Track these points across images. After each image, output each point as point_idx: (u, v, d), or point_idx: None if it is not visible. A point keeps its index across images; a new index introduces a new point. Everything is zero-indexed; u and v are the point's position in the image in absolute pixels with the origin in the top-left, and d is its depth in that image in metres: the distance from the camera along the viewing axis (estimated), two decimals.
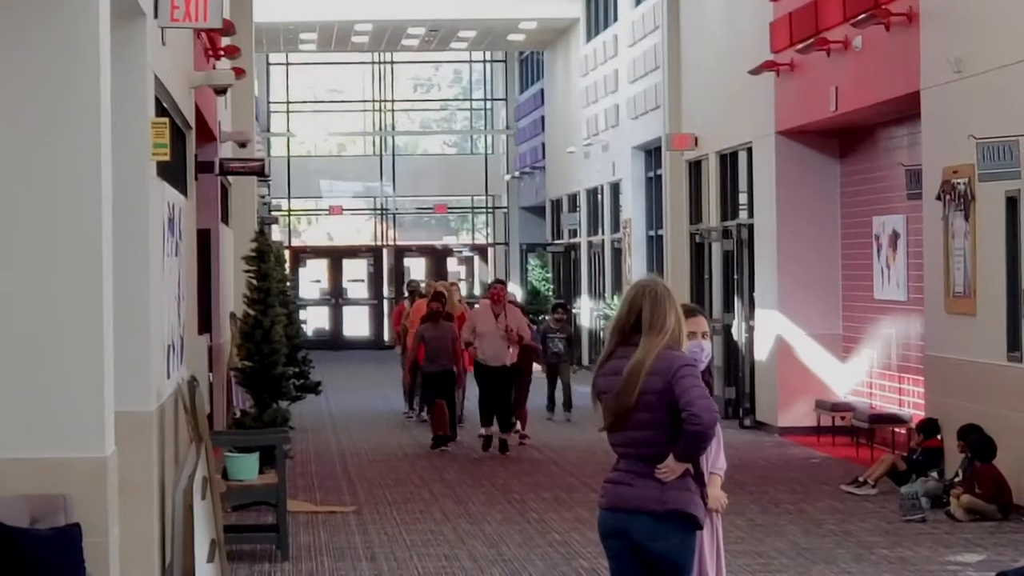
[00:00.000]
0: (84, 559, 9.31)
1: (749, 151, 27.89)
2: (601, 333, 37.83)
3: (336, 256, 53.19)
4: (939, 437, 18.25)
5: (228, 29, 19.39)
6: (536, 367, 27.15)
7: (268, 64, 52.14)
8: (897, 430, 21.41)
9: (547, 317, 30.73)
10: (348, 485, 20.15)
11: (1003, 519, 16.65)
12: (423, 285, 31.53)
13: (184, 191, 16.17)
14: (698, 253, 31.22)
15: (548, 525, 17.03)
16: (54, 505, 9.38)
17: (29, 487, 9.37)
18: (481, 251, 54.44)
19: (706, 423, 8.35)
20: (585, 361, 38.50)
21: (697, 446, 8.42)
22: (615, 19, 39.00)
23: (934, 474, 18.01)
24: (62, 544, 9.26)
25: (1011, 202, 17.32)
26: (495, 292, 21.95)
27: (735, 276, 28.37)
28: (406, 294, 22.93)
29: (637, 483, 8.60)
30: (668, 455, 8.44)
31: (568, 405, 25.50)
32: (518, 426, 24.15)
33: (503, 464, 21.61)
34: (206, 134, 21.22)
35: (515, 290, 47.30)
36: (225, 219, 26.01)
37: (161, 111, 13.39)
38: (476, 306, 22.30)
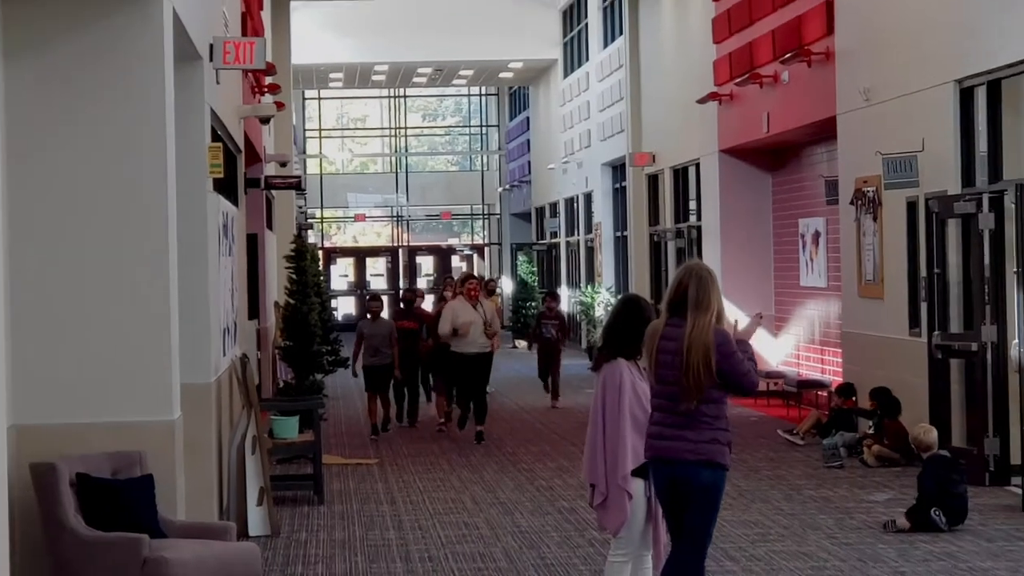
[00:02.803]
0: (156, 504, 9.32)
1: (697, 166, 27.90)
2: (577, 315, 37.79)
3: (360, 255, 53.15)
4: (854, 399, 18.27)
5: (270, 70, 19.40)
6: (522, 344, 27.12)
7: (303, 98, 52.04)
8: (820, 393, 21.42)
9: (536, 305, 30.69)
10: (371, 442, 20.16)
11: (906, 465, 16.64)
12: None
13: (235, 202, 16.18)
14: (655, 250, 31.21)
15: (535, 474, 17.02)
16: (131, 460, 9.39)
17: (111, 446, 9.39)
18: (479, 250, 54.43)
19: (751, 387, 8.98)
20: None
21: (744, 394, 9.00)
22: (587, 59, 38.92)
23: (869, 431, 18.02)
24: (138, 492, 9.27)
25: (911, 206, 17.34)
26: (471, 287, 21.00)
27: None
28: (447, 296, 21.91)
29: (675, 437, 8.65)
30: (696, 413, 8.56)
31: (556, 394, 24.51)
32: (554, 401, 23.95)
33: (495, 429, 21.49)
34: (253, 156, 21.22)
35: (507, 281, 47.37)
36: (269, 225, 26.01)
37: (216, 137, 13.40)
38: (451, 301, 20.95)
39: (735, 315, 12.80)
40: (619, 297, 15.85)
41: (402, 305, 22.70)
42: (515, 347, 37.38)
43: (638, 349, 9.03)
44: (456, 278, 25.16)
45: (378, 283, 51.49)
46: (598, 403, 9.33)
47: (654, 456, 8.77)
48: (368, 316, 21.47)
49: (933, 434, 13.52)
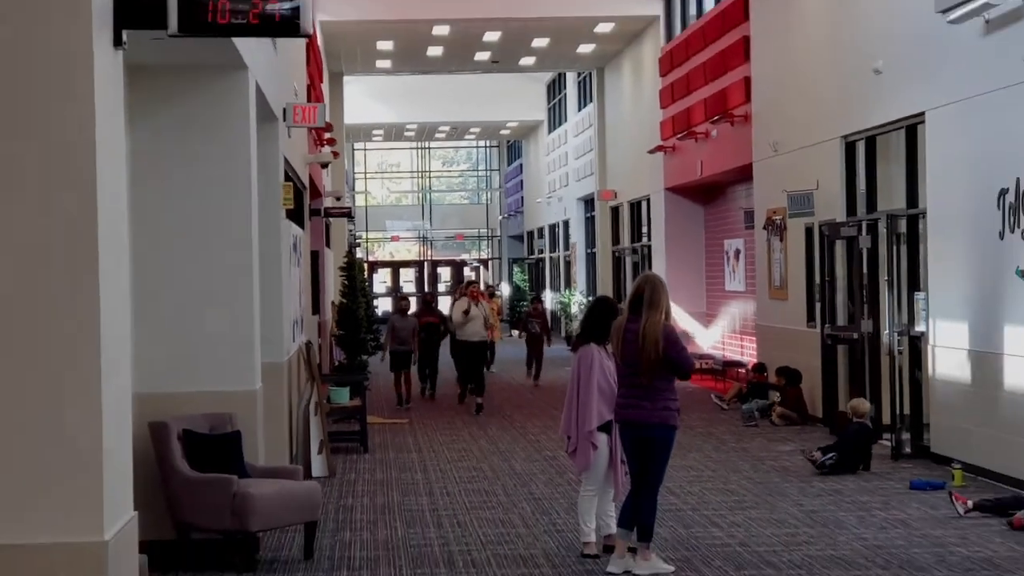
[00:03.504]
0: (243, 453, 9.33)
1: (648, 200, 27.92)
2: (558, 313, 37.82)
3: (395, 266, 53.06)
4: (765, 374, 18.29)
5: (328, 128, 19.47)
6: (514, 333, 27.07)
7: (353, 148, 51.95)
8: (740, 370, 21.43)
9: (527, 304, 30.65)
10: (400, 410, 20.03)
11: (803, 424, 16.69)
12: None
13: (302, 226, 16.17)
14: (617, 263, 31.22)
15: (527, 430, 17.04)
16: (224, 420, 9.39)
17: (209, 408, 9.38)
18: (484, 263, 54.43)
19: (688, 370, 8.96)
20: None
21: (664, 399, 8.73)
22: (565, 120, 38.99)
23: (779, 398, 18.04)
24: (229, 444, 9.27)
25: (808, 230, 17.37)
26: (473, 291, 20.96)
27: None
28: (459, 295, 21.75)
29: (636, 406, 8.74)
30: (651, 387, 8.65)
31: (537, 376, 23.82)
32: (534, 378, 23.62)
33: (496, 397, 21.51)
34: (315, 192, 21.25)
35: (505, 287, 47.36)
36: (327, 244, 25.99)
37: (287, 177, 13.42)
38: (457, 301, 20.59)
39: (677, 313, 13.03)
40: (593, 297, 15.90)
41: (423, 305, 22.58)
42: (511, 335, 37.38)
43: (606, 336, 9.07)
44: (463, 284, 25.23)
45: (409, 288, 51.42)
46: (574, 376, 9.44)
47: (621, 420, 8.87)
48: (398, 313, 21.21)
49: (866, 406, 13.61)
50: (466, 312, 19.70)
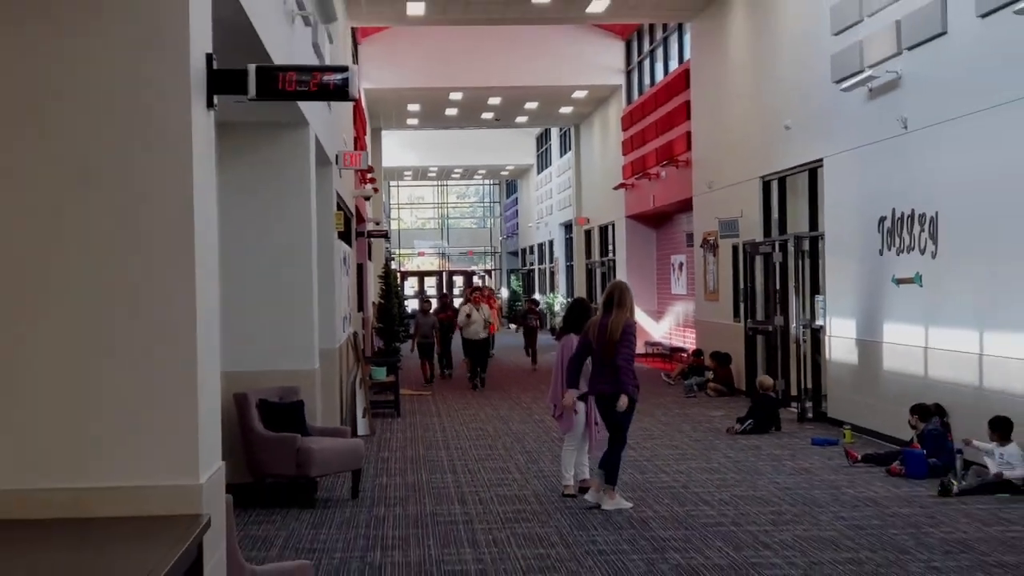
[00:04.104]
0: (304, 418, 9.34)
1: (613, 225, 27.91)
2: (544, 311, 37.63)
3: (421, 275, 52.86)
4: (702, 357, 18.29)
5: (370, 170, 19.42)
6: (513, 327, 26.97)
7: (389, 185, 51.89)
8: (683, 354, 21.45)
9: (522, 304, 30.65)
10: (419, 386, 20.04)
11: (731, 395, 16.67)
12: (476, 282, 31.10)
13: (350, 244, 16.19)
14: (589, 273, 31.19)
15: (521, 400, 17.02)
16: (291, 392, 9.40)
17: (279, 383, 9.38)
18: (488, 273, 54.25)
19: (622, 360, 8.56)
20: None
21: (623, 375, 8.57)
22: (550, 164, 38.96)
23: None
24: (294, 410, 9.28)
25: (734, 248, 17.37)
26: (476, 297, 20.55)
27: (606, 284, 28.15)
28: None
29: (604, 380, 8.71)
30: (615, 367, 8.55)
31: (534, 361, 23.23)
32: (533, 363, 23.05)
33: (496, 375, 21.47)
34: (360, 218, 21.24)
35: (504, 291, 47.28)
36: (369, 258, 25.95)
37: (339, 207, 13.43)
38: (463, 306, 20.00)
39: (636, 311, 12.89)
40: (571, 299, 15.79)
41: (441, 304, 22.41)
42: (509, 328, 37.32)
43: (582, 328, 9.08)
44: (470, 289, 25.12)
45: (431, 291, 51.35)
46: (557, 359, 9.45)
47: (596, 393, 8.86)
48: (421, 312, 21.01)
49: (770, 381, 13.71)
50: (468, 316, 19.61)
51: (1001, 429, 9.32)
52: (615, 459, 8.77)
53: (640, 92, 25.06)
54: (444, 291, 42.39)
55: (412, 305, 50.01)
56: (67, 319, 4.15)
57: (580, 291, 31.04)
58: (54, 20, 4.18)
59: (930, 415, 10.47)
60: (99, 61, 4.19)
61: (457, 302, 24.45)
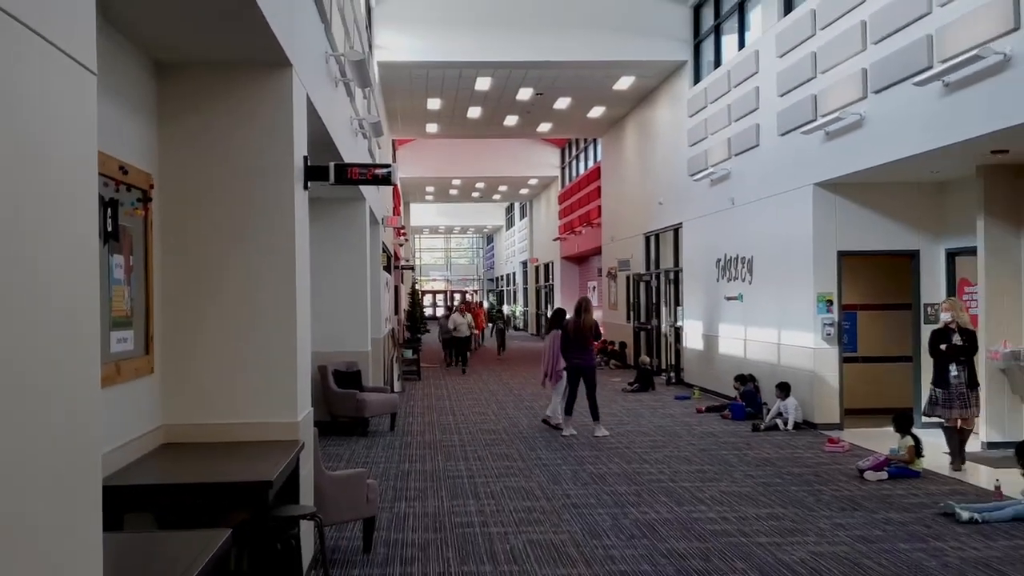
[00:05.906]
0: (362, 380, 9.28)
1: (553, 263, 27.81)
2: (510, 316, 37.14)
3: (435, 294, 52.59)
4: (610, 345, 18.13)
5: (404, 228, 19.24)
6: (490, 326, 26.64)
7: (415, 237, 51.49)
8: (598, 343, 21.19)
9: (497, 313, 30.50)
10: (441, 363, 19.79)
11: (625, 368, 16.54)
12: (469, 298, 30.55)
13: (390, 273, 16.09)
14: (537, 293, 31.02)
15: (506, 380, 16.92)
16: (353, 364, 9.31)
17: (345, 359, 9.33)
18: (475, 291, 53.98)
19: (599, 338, 8.62)
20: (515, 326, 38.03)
21: (593, 353, 8.69)
22: (513, 225, 38.87)
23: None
24: (355, 376, 9.22)
25: (628, 278, 17.35)
26: (463, 307, 19.69)
27: (550, 303, 28.07)
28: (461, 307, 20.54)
29: (580, 358, 8.75)
30: (588, 348, 8.59)
31: (502, 349, 21.67)
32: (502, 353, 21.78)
33: (478, 365, 21.19)
34: (396, 257, 21.05)
35: (486, 303, 46.94)
36: (401, 281, 25.66)
37: (384, 251, 13.38)
38: (454, 314, 18.57)
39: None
40: (553, 309, 13.42)
41: (447, 312, 22.21)
42: (489, 326, 37.13)
43: (560, 326, 9.11)
44: (459, 302, 24.95)
45: (440, 303, 51.00)
46: (547, 347, 9.38)
47: (574, 366, 8.88)
48: (444, 318, 20.34)
49: (647, 358, 13.58)
50: (456, 321, 18.76)
51: (783, 389, 9.49)
52: (594, 404, 8.82)
53: (570, 180, 25.15)
54: (450, 305, 42.04)
55: (428, 312, 49.78)
56: (227, 317, 4.19)
57: (532, 306, 30.96)
58: (224, 118, 4.21)
59: (747, 381, 10.60)
60: (243, 158, 4.23)
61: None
